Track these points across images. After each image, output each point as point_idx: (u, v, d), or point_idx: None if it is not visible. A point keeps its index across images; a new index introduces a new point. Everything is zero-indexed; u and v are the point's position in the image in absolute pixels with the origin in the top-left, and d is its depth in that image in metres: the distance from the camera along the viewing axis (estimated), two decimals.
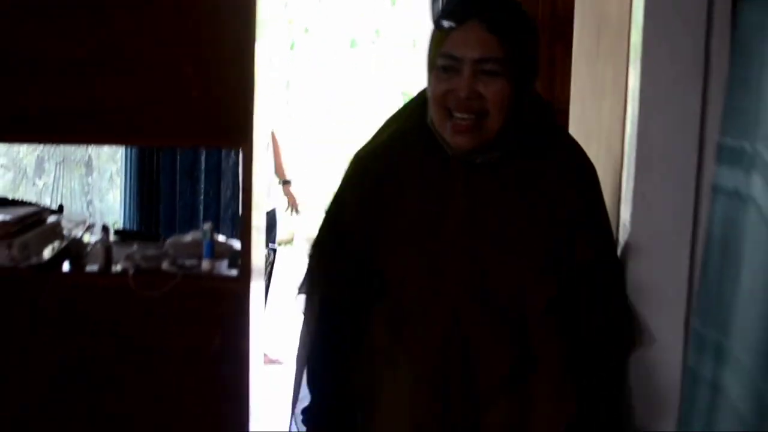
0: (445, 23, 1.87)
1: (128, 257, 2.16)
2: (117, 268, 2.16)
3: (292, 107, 6.19)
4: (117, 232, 2.37)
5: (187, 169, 4.06)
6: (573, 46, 2.67)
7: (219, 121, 2.10)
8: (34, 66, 2.12)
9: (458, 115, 1.87)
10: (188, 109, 2.10)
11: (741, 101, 1.33)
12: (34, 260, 2.12)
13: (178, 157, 3.98)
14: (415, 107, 1.98)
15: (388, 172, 1.97)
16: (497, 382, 1.85)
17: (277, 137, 4.58)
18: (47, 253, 2.17)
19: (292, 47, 6.42)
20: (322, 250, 1.98)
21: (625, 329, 1.90)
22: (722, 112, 1.40)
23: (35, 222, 2.24)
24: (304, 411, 1.96)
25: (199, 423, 2.14)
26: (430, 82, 1.90)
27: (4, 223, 2.14)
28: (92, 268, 2.18)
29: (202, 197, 4.53)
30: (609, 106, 2.56)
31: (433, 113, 1.90)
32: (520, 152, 1.92)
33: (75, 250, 2.22)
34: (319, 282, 1.96)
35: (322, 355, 1.97)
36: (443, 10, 1.94)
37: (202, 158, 4.02)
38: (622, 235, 1.81)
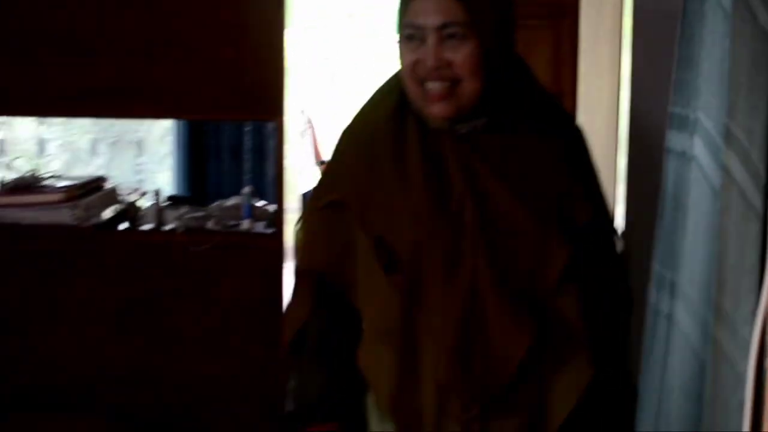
0: None
1: (177, 218, 2.45)
2: (167, 228, 2.46)
3: (330, 91, 6.33)
4: (169, 198, 2.65)
5: (232, 149, 4.32)
6: (579, 27, 2.83)
7: (255, 97, 2.35)
8: (96, 46, 2.39)
9: (430, 84, 1.82)
10: (228, 86, 2.38)
11: (685, 76, 1.45)
12: (94, 220, 2.41)
13: (225, 137, 4.25)
14: (396, 81, 1.90)
15: (381, 149, 1.90)
16: (519, 353, 1.78)
17: (314, 122, 4.81)
18: (106, 214, 2.46)
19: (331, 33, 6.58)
20: (311, 223, 1.94)
21: (626, 288, 1.90)
22: (672, 86, 1.51)
23: (95, 188, 2.54)
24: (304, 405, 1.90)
25: (240, 359, 2.44)
26: (400, 53, 1.84)
27: (70, 186, 2.44)
28: (146, 227, 2.48)
29: (247, 176, 4.83)
30: (608, 86, 2.77)
31: (406, 86, 1.85)
32: (507, 119, 1.87)
33: (131, 212, 2.52)
34: (314, 256, 1.90)
35: (321, 335, 1.91)
36: None
37: (247, 139, 4.26)
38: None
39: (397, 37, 1.83)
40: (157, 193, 2.44)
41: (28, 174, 2.51)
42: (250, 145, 4.29)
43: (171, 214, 2.48)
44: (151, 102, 2.37)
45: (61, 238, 2.40)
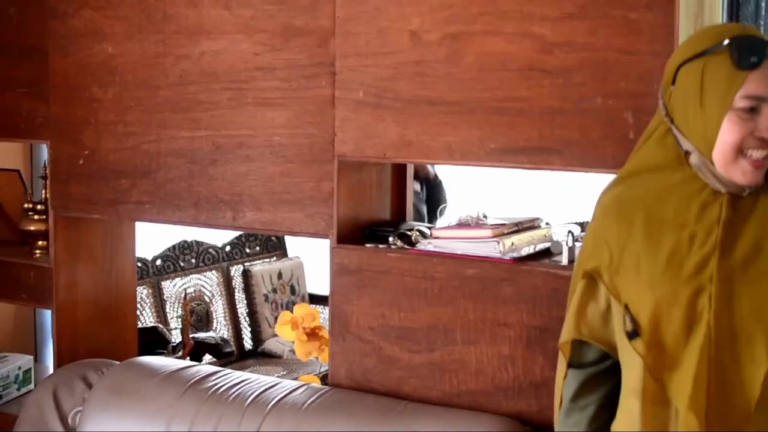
0: (741, 64, 1.86)
1: None
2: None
3: None
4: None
5: None
6: None
7: None
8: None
9: (755, 153, 1.88)
10: None
11: None
12: (515, 254, 2.85)
13: None
14: (660, 138, 2.02)
15: (641, 211, 1.99)
16: (754, 399, 1.86)
17: None
18: (526, 250, 2.89)
19: None
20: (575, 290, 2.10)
21: None
22: None
23: (528, 227, 3.00)
24: None
25: None
26: (721, 125, 1.88)
27: (501, 225, 2.91)
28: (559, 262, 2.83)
29: None
30: None
31: (719, 155, 1.90)
32: None
33: (554, 250, 2.92)
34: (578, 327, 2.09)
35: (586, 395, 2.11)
36: (737, 48, 1.88)
37: None
38: None
39: (713, 107, 1.89)
40: (570, 232, 2.82)
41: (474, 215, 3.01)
42: None
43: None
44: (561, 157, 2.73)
45: (487, 267, 2.85)
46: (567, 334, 2.12)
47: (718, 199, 1.93)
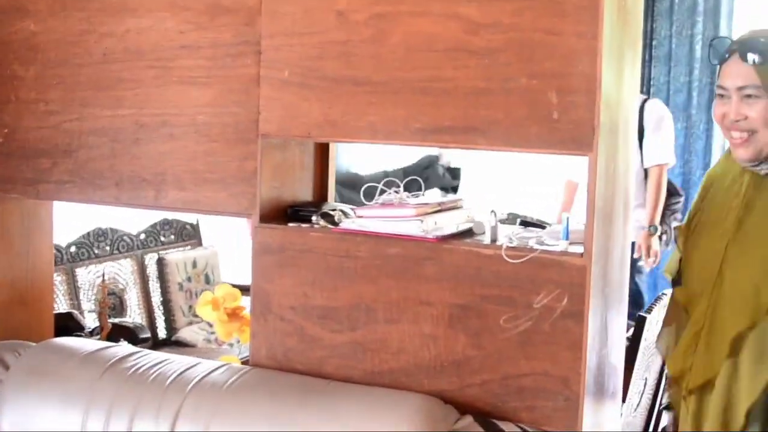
0: (713, 61, 2.49)
1: (507, 235, 2.86)
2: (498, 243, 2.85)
3: None
4: (522, 222, 3.08)
5: None
6: None
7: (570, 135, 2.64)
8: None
9: (732, 133, 2.45)
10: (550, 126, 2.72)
11: None
12: (438, 233, 2.87)
13: None
14: None
15: (712, 184, 2.68)
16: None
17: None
18: (449, 229, 2.91)
19: None
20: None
21: None
22: None
23: (452, 208, 3.03)
24: None
25: (545, 360, 2.73)
26: (714, 106, 2.49)
27: (425, 204, 2.93)
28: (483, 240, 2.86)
29: None
30: None
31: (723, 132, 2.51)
32: None
33: (476, 230, 2.95)
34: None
35: None
36: (709, 48, 2.53)
37: None
38: None
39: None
40: (492, 212, 2.85)
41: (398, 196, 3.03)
42: None
43: (503, 231, 2.90)
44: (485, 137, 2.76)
45: (410, 246, 2.87)
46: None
47: (743, 176, 2.51)
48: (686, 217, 2.76)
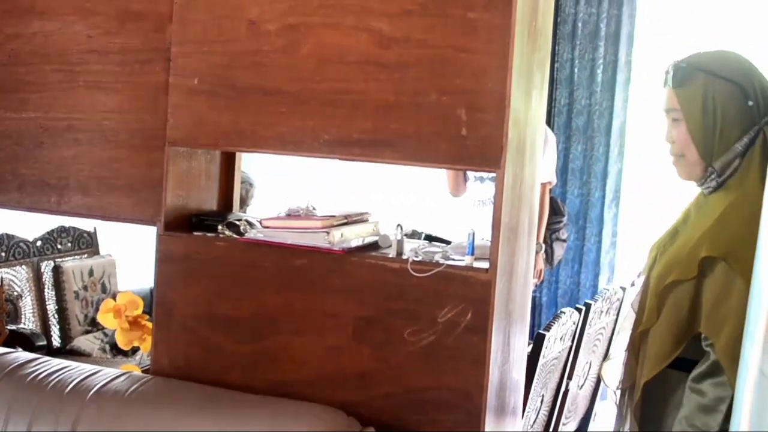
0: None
1: (413, 249, 2.88)
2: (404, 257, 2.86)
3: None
4: (426, 237, 3.10)
5: None
6: None
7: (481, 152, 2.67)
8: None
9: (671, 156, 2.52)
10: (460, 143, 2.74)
11: None
12: (344, 246, 2.88)
13: None
14: None
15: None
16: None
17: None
18: (355, 242, 2.93)
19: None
20: None
21: None
22: None
23: (358, 221, 3.03)
24: None
25: (448, 374, 2.76)
26: None
27: (331, 216, 2.94)
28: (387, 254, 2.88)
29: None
30: None
31: None
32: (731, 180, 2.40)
33: (382, 243, 2.97)
34: None
35: None
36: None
37: None
38: None
39: None
40: (399, 226, 2.87)
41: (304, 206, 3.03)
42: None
43: (409, 245, 2.92)
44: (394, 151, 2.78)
45: (316, 258, 2.87)
46: None
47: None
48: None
